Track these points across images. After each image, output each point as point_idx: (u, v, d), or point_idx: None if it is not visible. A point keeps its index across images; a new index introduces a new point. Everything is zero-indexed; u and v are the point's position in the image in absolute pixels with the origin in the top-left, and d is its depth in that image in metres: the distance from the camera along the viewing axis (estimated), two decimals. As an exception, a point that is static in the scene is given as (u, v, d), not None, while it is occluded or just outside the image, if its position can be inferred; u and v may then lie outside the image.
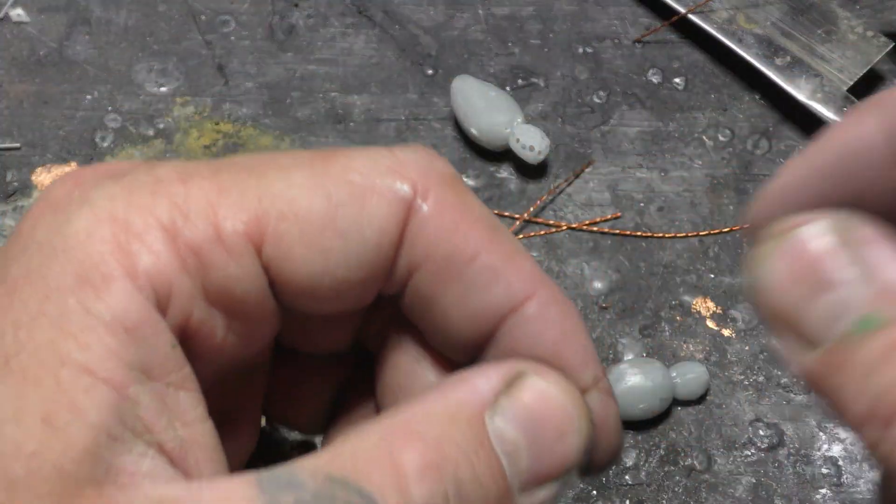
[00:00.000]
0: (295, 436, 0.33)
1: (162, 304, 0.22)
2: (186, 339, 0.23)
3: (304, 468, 0.22)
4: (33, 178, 0.51)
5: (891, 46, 0.53)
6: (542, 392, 0.24)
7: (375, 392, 0.29)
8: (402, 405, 0.24)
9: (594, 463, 0.26)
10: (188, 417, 0.23)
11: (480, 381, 0.24)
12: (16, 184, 0.51)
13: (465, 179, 0.52)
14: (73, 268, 0.21)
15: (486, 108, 0.51)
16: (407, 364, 0.28)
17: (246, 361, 0.26)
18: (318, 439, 0.32)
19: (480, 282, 0.25)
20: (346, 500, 0.21)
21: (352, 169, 0.24)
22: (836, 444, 0.46)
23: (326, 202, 0.23)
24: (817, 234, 0.22)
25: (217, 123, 0.53)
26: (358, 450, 0.22)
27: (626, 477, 0.45)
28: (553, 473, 0.24)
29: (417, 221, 0.24)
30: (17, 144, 0.52)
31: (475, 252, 0.24)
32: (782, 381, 0.47)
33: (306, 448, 0.33)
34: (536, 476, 0.24)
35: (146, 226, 0.22)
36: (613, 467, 0.46)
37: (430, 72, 0.55)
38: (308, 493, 0.21)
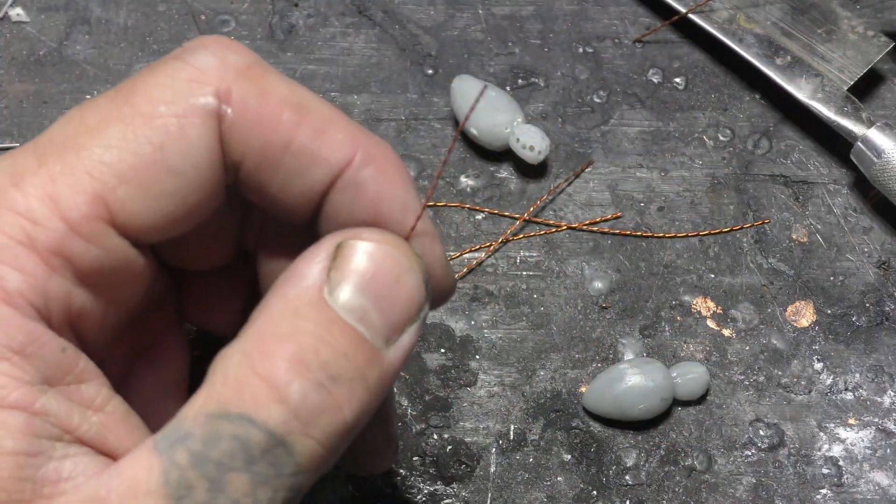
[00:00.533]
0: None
1: (43, 313, 0.23)
2: (74, 326, 0.24)
3: (188, 416, 0.23)
4: (33, 177, 0.51)
5: (891, 46, 0.53)
6: (364, 251, 0.25)
7: (259, 288, 0.30)
8: (250, 317, 0.25)
9: (434, 301, 0.27)
10: (97, 403, 0.24)
11: (306, 266, 0.25)
12: (15, 184, 0.51)
13: (464, 179, 0.52)
14: None
15: (486, 107, 0.51)
16: (279, 254, 0.29)
17: (141, 304, 0.27)
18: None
19: (298, 166, 0.25)
20: (233, 432, 0.22)
21: (156, 100, 0.24)
22: (836, 445, 0.46)
23: (149, 148, 0.24)
24: None
25: (217, 123, 0.53)
26: (227, 377, 0.23)
27: (627, 477, 0.45)
28: (407, 317, 0.25)
29: (227, 126, 0.25)
30: (17, 144, 0.52)
31: (286, 139, 0.25)
32: (783, 381, 0.47)
33: None
34: (393, 326, 0.25)
35: (2, 247, 0.23)
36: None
37: (430, 71, 0.55)
38: (197, 441, 0.22)
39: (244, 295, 0.32)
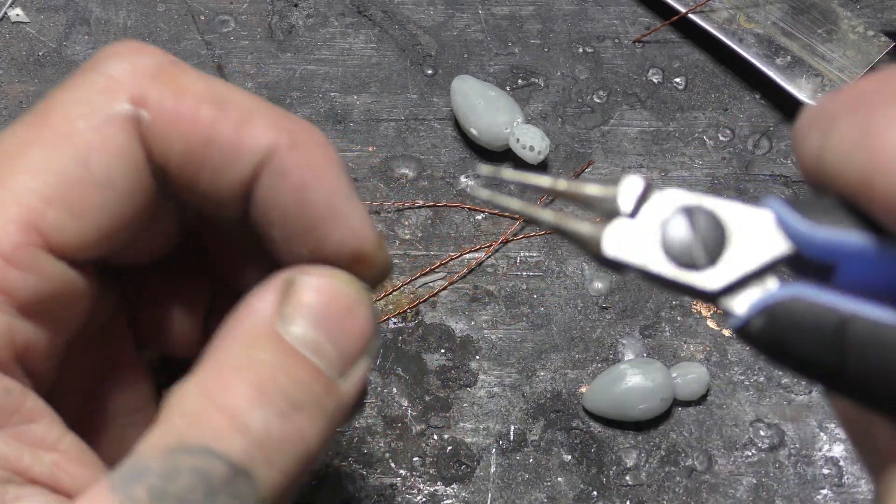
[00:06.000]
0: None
1: None
2: (21, 360, 0.24)
3: (145, 451, 0.22)
4: (32, 178, 0.51)
5: (892, 46, 0.53)
6: (314, 287, 0.25)
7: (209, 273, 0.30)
8: (205, 353, 0.24)
9: (372, 280, 0.28)
10: (48, 442, 0.23)
11: (258, 303, 0.25)
12: (15, 184, 0.51)
13: (464, 179, 0.52)
14: None
15: (486, 108, 0.50)
16: (235, 252, 0.29)
17: (90, 326, 0.27)
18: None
19: (222, 160, 0.25)
20: (192, 464, 0.22)
21: (73, 116, 0.24)
22: (837, 445, 0.46)
23: (73, 166, 0.24)
24: None
25: (216, 123, 0.53)
26: (184, 410, 0.23)
27: (627, 477, 0.45)
28: (359, 349, 0.26)
29: (146, 130, 0.25)
30: (16, 144, 0.52)
31: (207, 135, 0.25)
32: (783, 382, 0.47)
33: None
34: (346, 358, 0.25)
35: None
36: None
37: (429, 72, 0.55)
38: (155, 475, 0.22)
39: (200, 315, 0.32)
